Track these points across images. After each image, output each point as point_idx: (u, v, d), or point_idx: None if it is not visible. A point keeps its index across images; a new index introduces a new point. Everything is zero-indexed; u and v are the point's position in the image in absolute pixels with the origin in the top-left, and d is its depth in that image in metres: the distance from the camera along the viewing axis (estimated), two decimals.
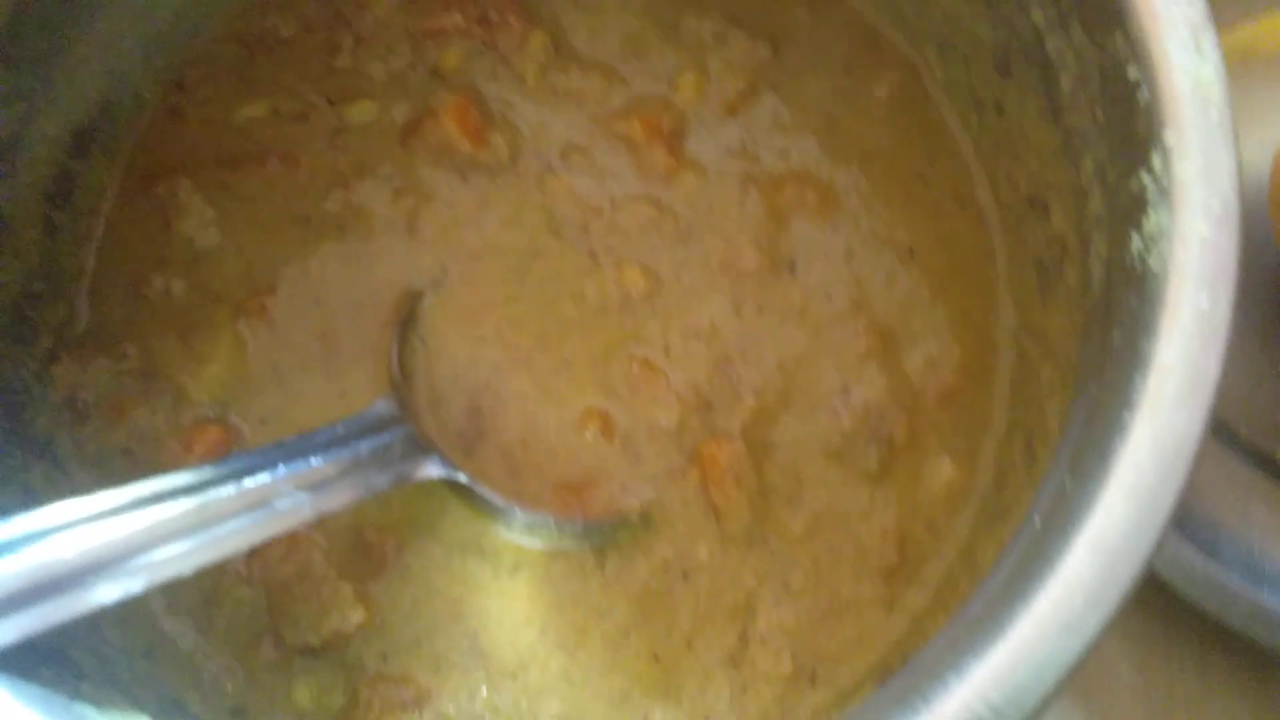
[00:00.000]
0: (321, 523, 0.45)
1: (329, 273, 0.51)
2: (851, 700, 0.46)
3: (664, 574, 0.48)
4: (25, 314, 0.47)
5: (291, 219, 0.51)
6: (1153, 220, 0.34)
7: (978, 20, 0.46)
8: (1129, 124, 0.35)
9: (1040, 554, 0.34)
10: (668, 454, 0.49)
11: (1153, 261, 0.33)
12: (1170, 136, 0.33)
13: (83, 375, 0.48)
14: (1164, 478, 0.32)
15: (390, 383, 0.48)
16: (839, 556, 0.48)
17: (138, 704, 0.39)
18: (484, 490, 0.47)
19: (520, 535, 0.48)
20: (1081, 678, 0.33)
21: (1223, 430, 0.57)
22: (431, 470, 0.46)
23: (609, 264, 0.51)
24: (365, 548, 0.48)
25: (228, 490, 0.39)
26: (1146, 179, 0.34)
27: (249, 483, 0.39)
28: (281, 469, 0.40)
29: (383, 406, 0.46)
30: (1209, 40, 0.33)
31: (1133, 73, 0.34)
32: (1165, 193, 0.33)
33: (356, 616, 0.47)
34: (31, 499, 0.45)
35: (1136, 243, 0.34)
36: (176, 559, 0.37)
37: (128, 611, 0.39)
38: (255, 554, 0.47)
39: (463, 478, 0.46)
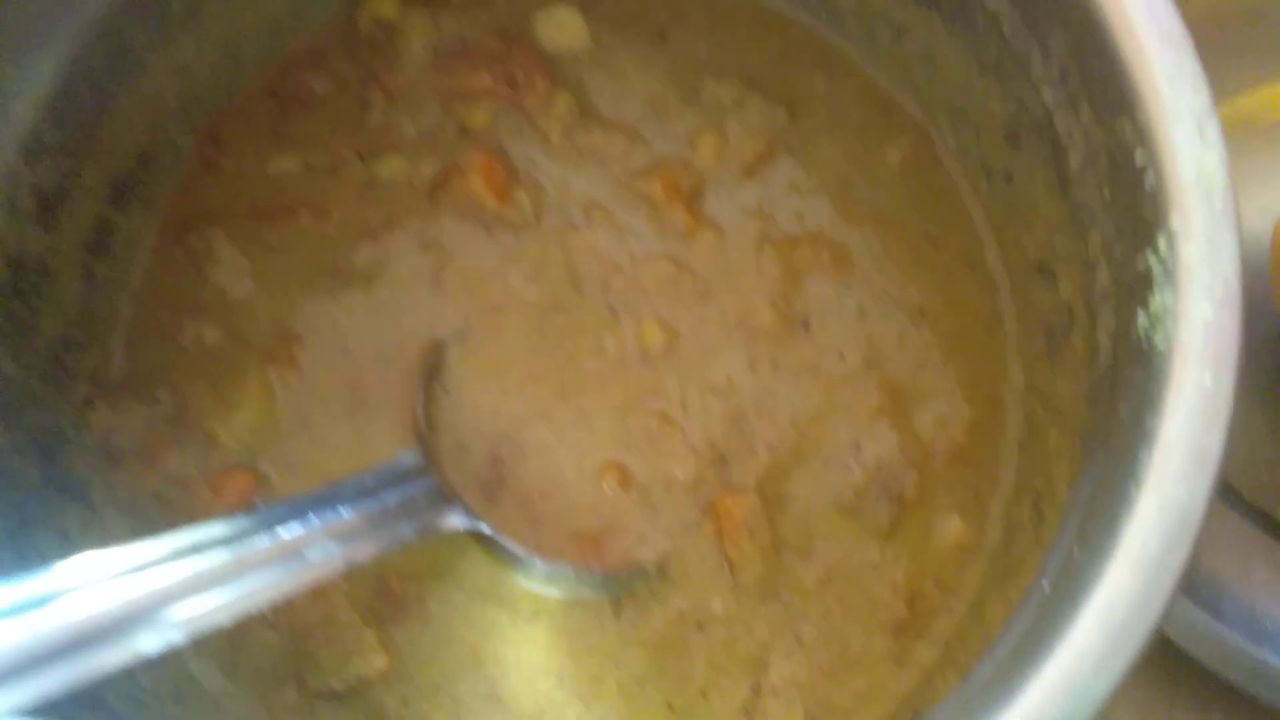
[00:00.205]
0: None
1: (356, 323, 0.52)
2: None
3: (679, 624, 0.49)
4: (63, 360, 0.49)
5: (321, 270, 0.53)
6: (1158, 300, 0.35)
7: (989, 93, 0.48)
8: (1135, 205, 0.37)
9: (1049, 621, 0.35)
10: (684, 506, 0.50)
11: (1158, 340, 0.35)
12: (1175, 221, 0.35)
13: (117, 420, 0.50)
14: (1169, 550, 0.33)
15: (415, 434, 0.50)
16: (850, 610, 0.49)
17: None
18: (506, 541, 0.48)
19: (539, 584, 0.50)
20: None
21: (1225, 490, 0.58)
22: (455, 521, 0.47)
23: (628, 319, 0.52)
24: (388, 594, 0.49)
25: (262, 540, 0.40)
26: (1152, 260, 0.35)
27: (283, 533, 0.40)
28: (313, 519, 0.41)
29: (408, 458, 0.48)
30: (1213, 129, 0.35)
31: (1140, 157, 0.36)
32: (1170, 274, 0.35)
33: (379, 662, 0.48)
34: (68, 543, 0.46)
35: (1142, 320, 0.36)
36: (216, 610, 0.37)
37: (158, 655, 0.40)
38: None
39: (486, 529, 0.47)
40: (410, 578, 0.49)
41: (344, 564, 0.42)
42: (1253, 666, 0.54)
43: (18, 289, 0.45)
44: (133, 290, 0.52)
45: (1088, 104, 0.39)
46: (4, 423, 0.45)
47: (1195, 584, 0.56)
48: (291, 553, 0.40)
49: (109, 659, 0.35)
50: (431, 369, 0.51)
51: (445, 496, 0.47)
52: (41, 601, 0.34)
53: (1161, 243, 0.35)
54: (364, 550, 0.42)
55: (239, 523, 0.40)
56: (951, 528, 0.50)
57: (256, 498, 0.50)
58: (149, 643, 0.36)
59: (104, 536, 0.48)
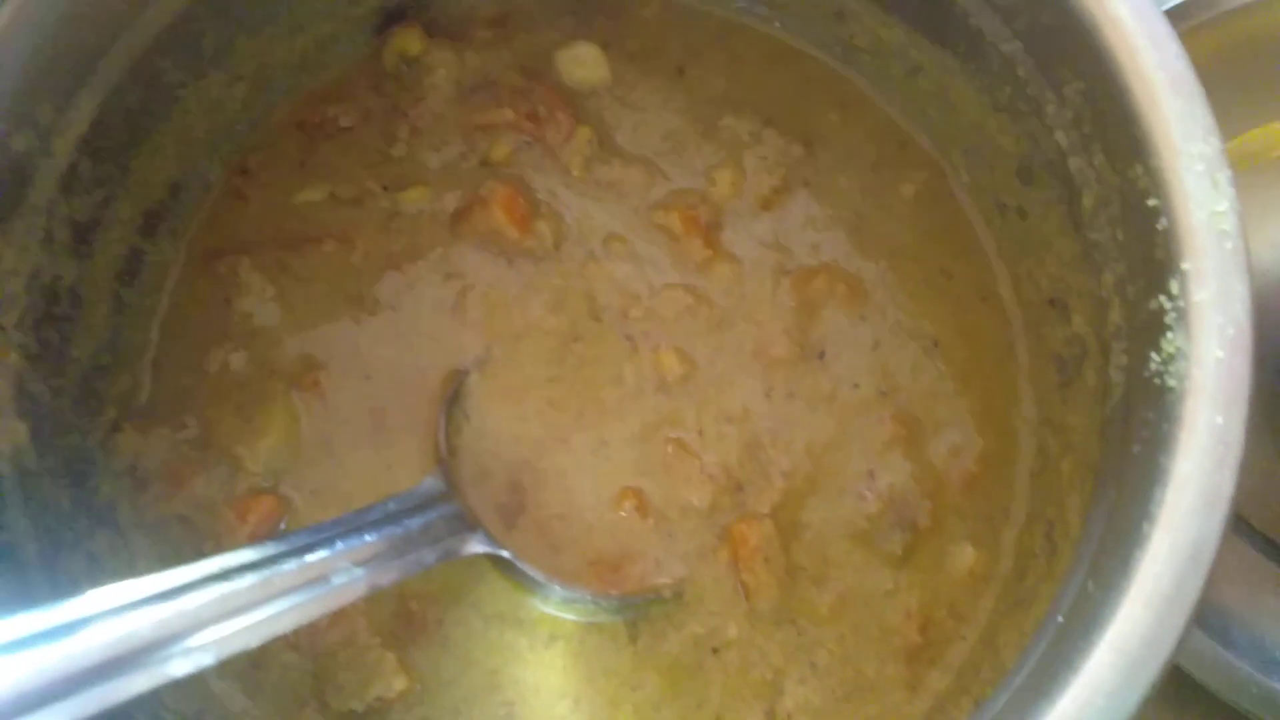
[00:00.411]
0: None
1: (380, 350, 0.53)
2: None
3: (694, 649, 0.50)
4: (93, 386, 0.50)
5: (345, 298, 0.54)
6: (1171, 341, 0.36)
7: (1002, 132, 0.49)
8: (1148, 248, 0.38)
9: (1063, 653, 0.36)
10: (700, 533, 0.51)
11: (1170, 380, 0.36)
12: (1188, 264, 0.36)
13: (144, 445, 0.51)
14: (1181, 586, 0.34)
15: (437, 459, 0.51)
16: (864, 637, 0.50)
17: None
18: (526, 566, 0.49)
19: (557, 608, 0.50)
20: None
21: (1234, 519, 0.58)
22: (477, 547, 0.48)
23: (646, 348, 0.53)
24: (408, 617, 0.50)
25: (289, 565, 0.41)
26: (1165, 302, 0.36)
27: (309, 558, 0.41)
28: (339, 545, 0.42)
29: (430, 484, 0.49)
30: (1225, 176, 0.36)
31: (1152, 202, 0.37)
32: (1183, 316, 0.36)
33: (399, 684, 0.49)
34: (95, 566, 0.47)
35: (1155, 360, 0.37)
36: (243, 633, 0.38)
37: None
38: None
39: (506, 554, 0.48)
40: (430, 601, 0.50)
41: (367, 588, 0.42)
42: (1261, 694, 0.54)
43: (51, 317, 0.46)
44: (161, 318, 0.53)
45: (1101, 148, 0.40)
46: (37, 447, 0.46)
47: (1204, 612, 0.56)
48: (317, 578, 0.41)
49: (140, 682, 0.36)
50: (453, 396, 0.52)
51: (467, 522, 0.48)
52: (75, 627, 0.35)
53: (1174, 285, 0.36)
54: (387, 575, 0.43)
55: (266, 549, 0.41)
56: (965, 556, 0.51)
57: (280, 521, 0.51)
58: (179, 666, 0.36)
59: (130, 559, 0.49)
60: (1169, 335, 0.36)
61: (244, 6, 0.51)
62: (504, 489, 0.52)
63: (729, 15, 0.58)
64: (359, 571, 0.42)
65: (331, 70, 0.56)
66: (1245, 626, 0.57)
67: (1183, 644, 0.34)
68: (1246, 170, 0.61)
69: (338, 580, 0.42)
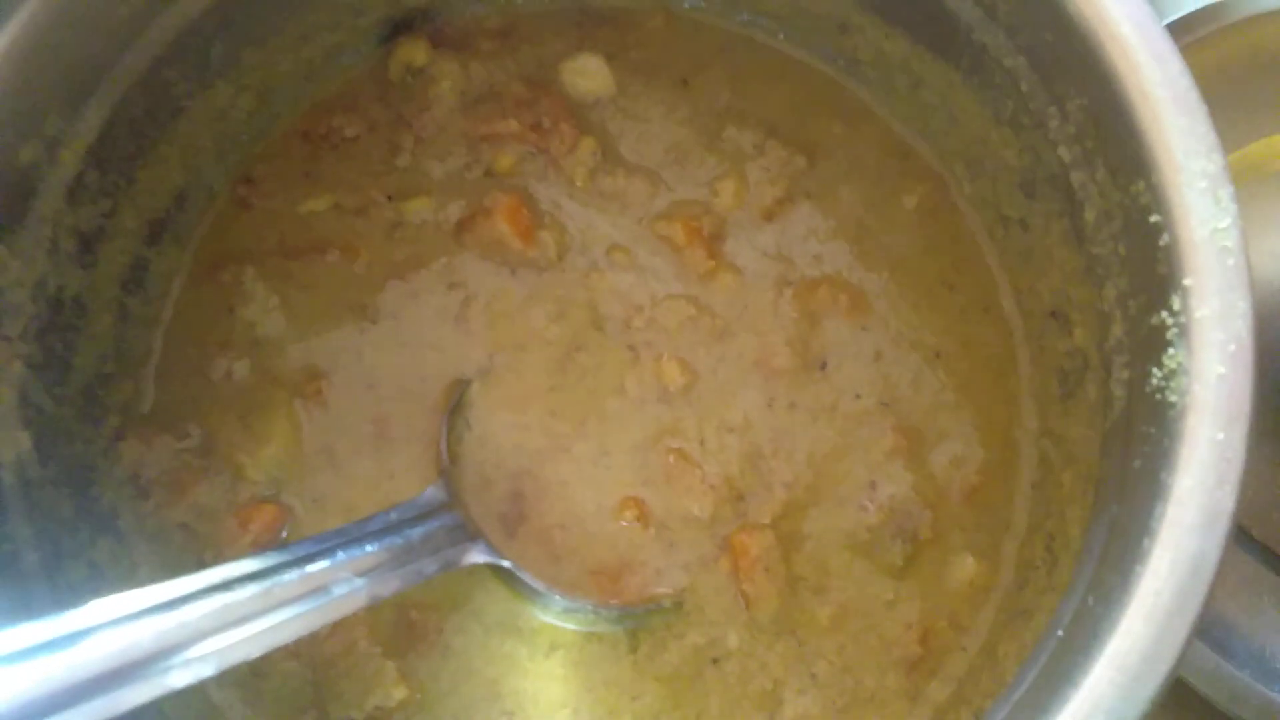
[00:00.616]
0: None
1: (382, 359, 0.53)
2: None
3: (694, 659, 0.50)
4: (96, 394, 0.50)
5: (349, 307, 0.54)
6: (1172, 357, 0.36)
7: (1005, 145, 0.49)
8: (1150, 263, 0.38)
9: (1063, 667, 0.36)
10: (700, 542, 0.51)
11: (1171, 395, 0.36)
12: (1189, 280, 0.36)
13: (147, 453, 0.51)
14: (1182, 602, 0.34)
15: (439, 468, 0.51)
16: (864, 648, 0.50)
17: None
18: (526, 576, 0.49)
19: (557, 618, 0.50)
20: None
21: (1236, 531, 0.58)
22: (478, 556, 0.48)
23: (648, 358, 0.53)
24: (408, 626, 0.50)
25: (291, 576, 0.41)
26: (1167, 317, 0.36)
27: (310, 569, 0.41)
28: (340, 555, 0.42)
29: (432, 493, 0.49)
30: (1227, 193, 0.36)
31: (1155, 218, 0.37)
32: (1184, 332, 0.36)
33: (399, 693, 0.49)
34: (97, 575, 0.47)
35: (1157, 376, 0.37)
36: (244, 643, 0.38)
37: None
38: None
39: (507, 564, 0.48)
40: (430, 609, 0.50)
41: (368, 599, 0.42)
42: (1262, 705, 0.54)
43: (55, 326, 0.47)
44: (165, 326, 0.53)
45: (1103, 164, 0.40)
46: (40, 456, 0.46)
47: (1206, 624, 0.56)
48: (318, 588, 0.41)
49: (140, 694, 0.36)
50: (455, 405, 0.52)
51: (468, 532, 0.48)
52: (76, 638, 0.35)
53: (1176, 301, 0.36)
54: (388, 586, 0.43)
55: (267, 558, 0.41)
56: (965, 567, 0.51)
57: (282, 530, 0.51)
58: (179, 677, 0.37)
59: (132, 568, 0.49)
60: (1170, 351, 0.36)
61: (251, 18, 0.51)
62: (505, 498, 0.52)
63: (733, 28, 0.58)
64: (360, 582, 0.42)
65: (337, 81, 0.57)
66: (1246, 638, 0.57)
67: (1183, 660, 0.34)
68: (1249, 182, 0.61)
69: (339, 590, 0.42)
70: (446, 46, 0.57)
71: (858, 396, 0.53)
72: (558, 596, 0.49)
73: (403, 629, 0.50)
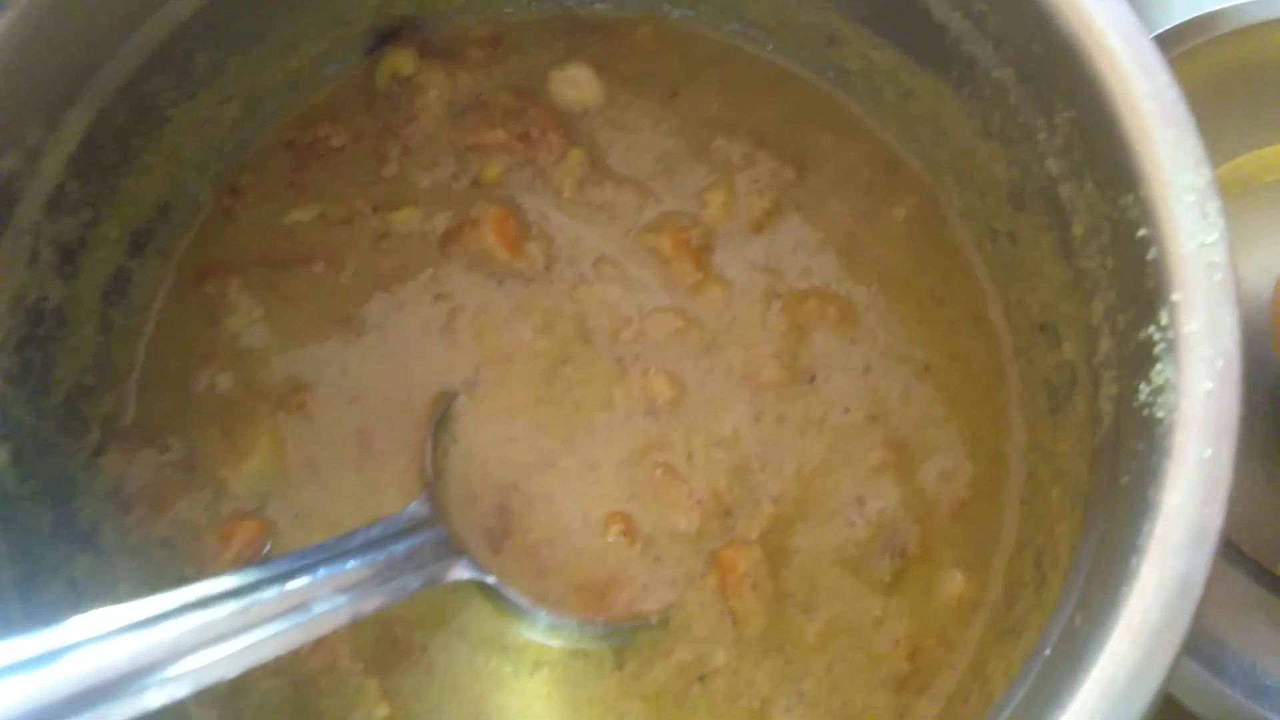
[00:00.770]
0: None
1: (368, 372, 0.53)
2: None
3: (681, 677, 0.49)
4: (77, 407, 0.49)
5: (334, 319, 0.53)
6: (1160, 373, 0.36)
7: (994, 157, 0.49)
8: (1138, 277, 0.37)
9: (1050, 687, 0.35)
10: (687, 558, 0.51)
11: (1159, 411, 0.35)
12: (1177, 295, 0.35)
13: (128, 467, 0.50)
14: (1169, 622, 0.33)
15: (424, 482, 0.50)
16: (852, 665, 0.50)
17: None
18: (511, 592, 0.48)
19: (543, 635, 0.50)
20: None
21: (1225, 546, 0.58)
22: (462, 572, 0.47)
23: (636, 371, 0.53)
24: (391, 642, 0.50)
25: (269, 593, 0.40)
26: (1155, 332, 0.36)
27: (290, 586, 0.41)
28: (321, 572, 0.42)
29: (415, 508, 0.48)
30: (1215, 207, 0.35)
31: (1142, 232, 0.37)
32: (1172, 347, 0.35)
33: (381, 711, 0.48)
34: (74, 591, 0.47)
35: (1145, 391, 0.36)
36: (221, 663, 0.38)
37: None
38: None
39: (492, 580, 0.48)
40: (413, 626, 0.50)
41: (350, 616, 0.42)
42: None
43: (35, 338, 0.46)
44: (147, 338, 0.53)
45: (1091, 177, 0.40)
46: (18, 470, 0.45)
47: (1196, 640, 0.56)
48: (298, 606, 0.41)
49: (115, 713, 0.35)
50: (441, 418, 0.52)
51: (452, 547, 0.47)
52: (51, 657, 0.35)
53: (1164, 316, 0.36)
54: (370, 602, 0.43)
55: (246, 575, 0.40)
56: (954, 583, 0.50)
57: (265, 545, 0.50)
58: (155, 697, 0.36)
59: (112, 583, 0.48)
60: (1158, 366, 0.36)
61: (236, 26, 0.51)
62: (491, 512, 0.51)
63: (722, 38, 0.58)
64: (341, 599, 0.42)
65: (323, 90, 0.56)
66: (1236, 654, 0.56)
67: (1170, 680, 0.34)
68: (1241, 194, 0.61)
69: (319, 608, 0.41)
70: (434, 56, 0.57)
71: (846, 410, 0.53)
72: (543, 613, 0.49)
73: (385, 646, 0.50)
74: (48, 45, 0.42)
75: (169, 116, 0.50)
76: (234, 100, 0.53)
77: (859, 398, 0.53)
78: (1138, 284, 0.38)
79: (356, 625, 0.49)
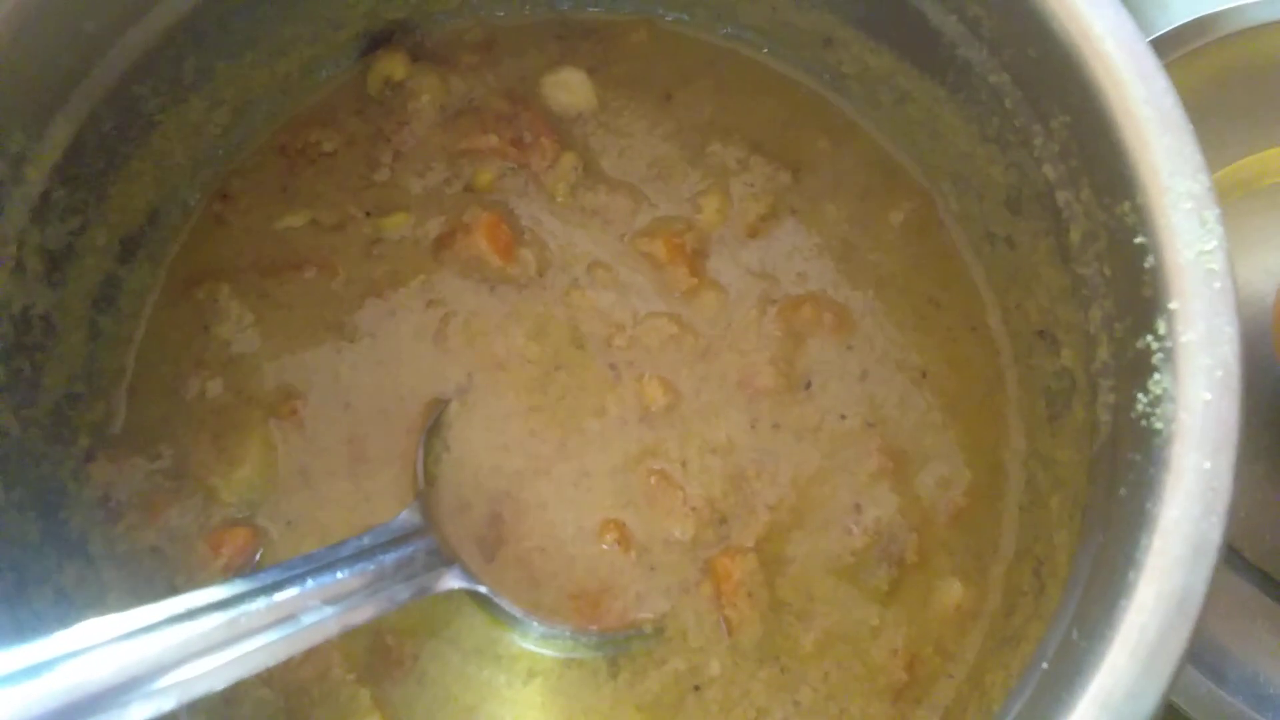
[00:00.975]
0: None
1: (359, 378, 0.52)
2: None
3: (675, 686, 0.49)
4: (66, 415, 0.49)
5: (325, 325, 0.53)
6: (1157, 383, 0.35)
7: (991, 162, 0.48)
8: (1135, 285, 0.37)
9: (1047, 701, 0.35)
10: (682, 566, 0.50)
11: (1157, 422, 0.35)
12: (1175, 304, 0.35)
13: (118, 475, 0.50)
14: (1168, 637, 0.33)
15: (415, 490, 0.50)
16: (849, 674, 0.49)
17: None
18: (503, 602, 0.48)
19: (536, 644, 0.49)
20: None
21: (1228, 553, 0.57)
22: (453, 582, 0.47)
23: (630, 378, 0.53)
24: (384, 652, 0.49)
25: (258, 604, 0.40)
26: (1153, 341, 0.35)
27: (279, 597, 0.40)
28: (310, 583, 0.41)
29: (407, 516, 0.48)
30: (1213, 214, 0.35)
31: (1139, 239, 0.36)
32: (1170, 357, 0.35)
33: None
34: (63, 600, 0.46)
35: (1142, 402, 0.36)
36: (208, 675, 0.37)
37: None
38: None
39: (484, 589, 0.47)
40: (406, 635, 0.49)
41: (339, 628, 0.42)
42: None
43: (22, 346, 0.46)
44: (137, 345, 0.52)
45: (1088, 183, 0.40)
46: (6, 479, 0.45)
47: (1197, 648, 0.55)
48: (287, 617, 0.40)
49: None
50: (433, 425, 0.51)
51: (443, 556, 0.47)
52: (36, 670, 0.34)
53: (1161, 325, 0.35)
54: (360, 613, 0.42)
55: (234, 586, 0.40)
56: (952, 592, 0.50)
57: (255, 553, 0.50)
58: (142, 711, 0.36)
59: (101, 593, 0.48)
60: (1156, 376, 0.35)
61: (225, 32, 0.50)
62: (484, 521, 0.51)
63: (717, 41, 0.57)
64: (330, 610, 0.41)
65: (315, 95, 0.56)
66: (1239, 663, 0.56)
67: (1169, 694, 0.33)
68: (1240, 197, 0.60)
69: (308, 619, 0.41)
70: (426, 60, 0.56)
71: (843, 417, 0.52)
72: (535, 622, 0.48)
73: (378, 655, 0.49)
74: (30, 52, 0.41)
75: (157, 122, 0.49)
76: (224, 105, 0.52)
77: (855, 404, 0.52)
78: (1135, 292, 0.37)
79: (348, 634, 0.48)
